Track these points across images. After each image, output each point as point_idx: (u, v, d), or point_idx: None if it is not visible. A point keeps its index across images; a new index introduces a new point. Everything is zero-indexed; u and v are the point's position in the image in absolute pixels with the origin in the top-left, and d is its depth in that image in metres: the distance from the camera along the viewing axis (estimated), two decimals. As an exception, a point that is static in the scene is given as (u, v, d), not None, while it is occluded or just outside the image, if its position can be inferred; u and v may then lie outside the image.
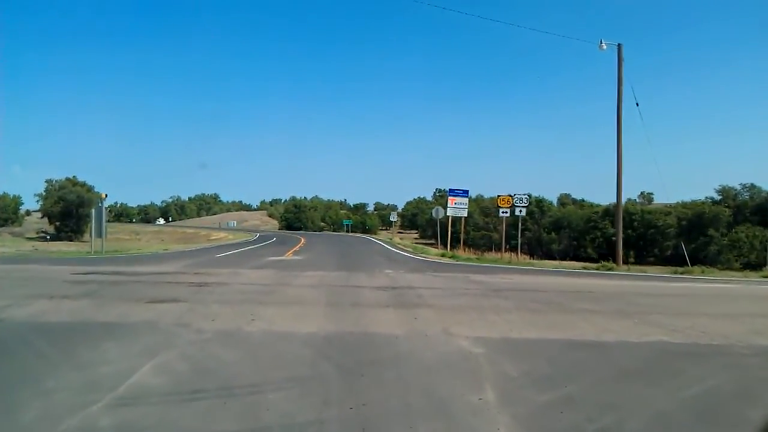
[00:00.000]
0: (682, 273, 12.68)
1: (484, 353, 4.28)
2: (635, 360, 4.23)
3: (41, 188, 47.47)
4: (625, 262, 16.15)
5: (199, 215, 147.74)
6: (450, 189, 22.80)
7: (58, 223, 44.88)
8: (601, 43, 14.81)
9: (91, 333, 4.90)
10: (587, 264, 16.04)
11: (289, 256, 18.09)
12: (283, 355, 4.21)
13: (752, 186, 41.28)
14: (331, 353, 4.25)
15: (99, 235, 19.28)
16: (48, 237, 43.51)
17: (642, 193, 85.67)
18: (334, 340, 4.69)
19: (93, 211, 19.56)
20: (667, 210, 37.20)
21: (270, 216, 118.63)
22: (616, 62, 15.47)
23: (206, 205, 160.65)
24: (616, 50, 15.34)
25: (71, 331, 5.02)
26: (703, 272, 12.79)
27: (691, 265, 14.97)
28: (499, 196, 18.74)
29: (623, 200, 17.15)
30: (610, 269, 13.71)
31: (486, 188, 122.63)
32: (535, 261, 19.19)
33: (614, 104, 15.45)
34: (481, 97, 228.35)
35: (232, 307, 6.36)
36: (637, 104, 16.60)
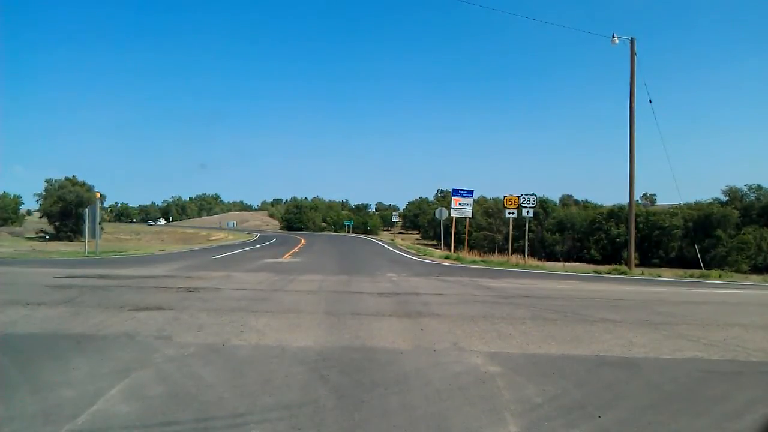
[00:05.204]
0: (699, 277, 12.13)
1: (501, 373, 3.80)
2: (672, 381, 3.74)
3: (41, 188, 47.28)
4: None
5: (200, 215, 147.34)
6: (454, 189, 22.10)
7: (57, 223, 44.68)
8: (613, 37, 14.17)
9: (60, 347, 4.40)
10: (598, 267, 15.48)
11: (287, 258, 17.60)
12: (273, 375, 3.70)
13: (759, 187, 40.80)
14: (327, 373, 3.75)
15: (93, 235, 18.86)
16: (47, 237, 43.14)
17: (644, 194, 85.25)
18: (331, 357, 4.18)
19: (86, 211, 19.05)
20: (673, 211, 36.57)
21: (271, 216, 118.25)
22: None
23: (207, 205, 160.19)
24: (629, 45, 14.72)
25: (40, 344, 4.53)
26: (720, 276, 12.24)
27: (699, 268, 14.43)
28: (505, 196, 18.20)
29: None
30: (623, 273, 13.15)
31: (487, 189, 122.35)
32: (542, 264, 18.67)
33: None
34: (482, 96, 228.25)
35: (220, 315, 5.85)
36: (650, 101, 16.05)
